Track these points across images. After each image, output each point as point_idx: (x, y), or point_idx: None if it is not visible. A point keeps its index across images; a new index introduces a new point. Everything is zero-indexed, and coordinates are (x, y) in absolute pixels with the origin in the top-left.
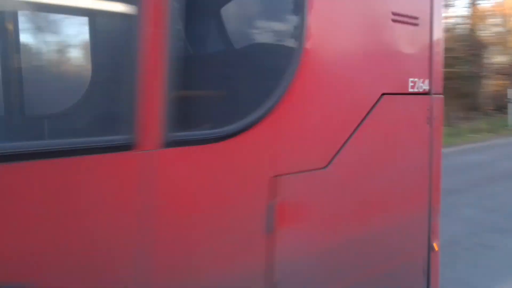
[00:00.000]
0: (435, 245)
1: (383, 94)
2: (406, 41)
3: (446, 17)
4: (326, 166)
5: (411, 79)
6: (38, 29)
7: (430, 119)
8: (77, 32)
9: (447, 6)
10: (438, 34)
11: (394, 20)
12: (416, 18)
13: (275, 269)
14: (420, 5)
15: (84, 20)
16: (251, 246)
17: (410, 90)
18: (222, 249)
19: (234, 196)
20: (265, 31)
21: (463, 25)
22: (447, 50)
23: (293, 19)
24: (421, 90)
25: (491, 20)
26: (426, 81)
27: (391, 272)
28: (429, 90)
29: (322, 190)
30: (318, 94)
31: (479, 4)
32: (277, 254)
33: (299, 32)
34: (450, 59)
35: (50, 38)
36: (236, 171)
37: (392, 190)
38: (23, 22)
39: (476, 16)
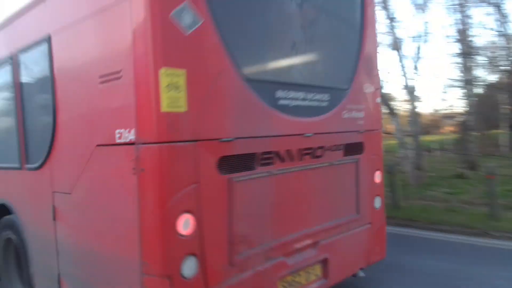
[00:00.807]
0: None
1: (97, 145)
2: (112, 94)
3: None
4: None
5: (117, 130)
6: None
7: (136, 170)
8: None
9: None
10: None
11: (102, 82)
12: (118, 72)
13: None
14: (121, 57)
15: None
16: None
17: (118, 141)
18: None
19: None
20: None
21: None
22: None
23: None
24: (127, 140)
25: None
26: (132, 131)
27: None
28: (136, 139)
29: None
30: None
31: None
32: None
33: None
34: None
35: None
36: None
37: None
38: None
39: None
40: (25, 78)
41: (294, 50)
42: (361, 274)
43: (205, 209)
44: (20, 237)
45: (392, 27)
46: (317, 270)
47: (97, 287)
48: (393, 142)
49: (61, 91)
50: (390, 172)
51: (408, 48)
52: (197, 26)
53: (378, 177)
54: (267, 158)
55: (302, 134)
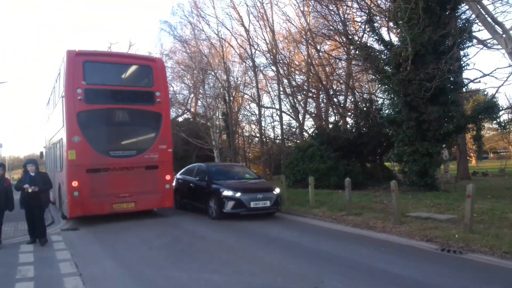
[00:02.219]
0: None
1: (65, 165)
2: (66, 154)
3: None
4: None
5: (67, 161)
6: None
7: (66, 170)
8: None
9: None
10: None
11: (66, 150)
12: (66, 150)
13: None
14: (65, 148)
15: None
16: None
17: (66, 164)
18: None
19: None
20: None
21: None
22: None
23: None
24: (66, 164)
25: None
26: (66, 162)
27: None
28: (66, 164)
29: None
30: None
31: None
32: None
33: None
34: None
35: None
36: None
37: None
38: None
39: None
40: (58, 147)
41: (120, 139)
42: (155, 210)
43: (81, 182)
44: (61, 190)
45: None
46: (132, 204)
47: (64, 200)
48: None
49: (64, 150)
50: None
51: None
52: (78, 140)
53: (167, 177)
54: (105, 169)
55: (121, 163)
